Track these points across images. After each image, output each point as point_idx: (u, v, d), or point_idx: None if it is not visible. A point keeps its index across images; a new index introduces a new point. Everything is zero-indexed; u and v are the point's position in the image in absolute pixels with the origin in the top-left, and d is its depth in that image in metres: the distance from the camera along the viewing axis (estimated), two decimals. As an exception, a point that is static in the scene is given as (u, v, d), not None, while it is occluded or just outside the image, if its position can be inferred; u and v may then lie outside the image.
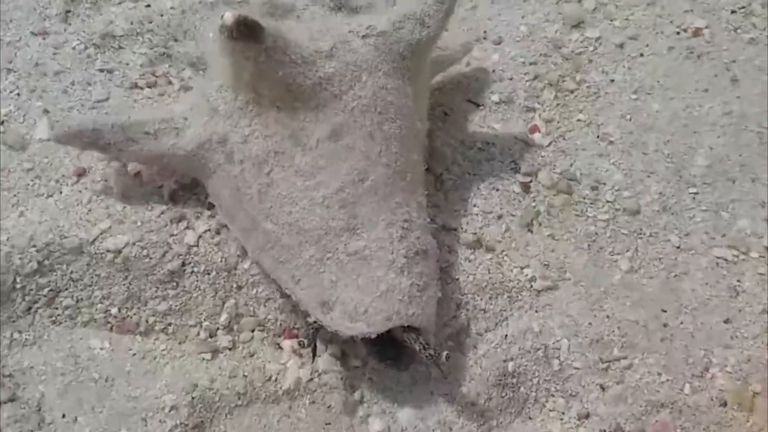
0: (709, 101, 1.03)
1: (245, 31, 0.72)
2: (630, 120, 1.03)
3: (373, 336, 0.74)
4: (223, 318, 0.84)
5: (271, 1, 0.90)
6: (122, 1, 1.08)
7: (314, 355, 0.79)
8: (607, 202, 0.96)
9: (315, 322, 0.78)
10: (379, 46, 0.82)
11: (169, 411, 0.77)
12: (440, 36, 0.87)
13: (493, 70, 1.06)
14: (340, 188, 0.77)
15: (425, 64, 0.88)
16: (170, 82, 1.01)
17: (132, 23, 1.05)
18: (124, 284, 0.84)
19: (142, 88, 1.01)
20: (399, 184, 0.80)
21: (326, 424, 0.79)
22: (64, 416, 0.76)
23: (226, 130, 0.79)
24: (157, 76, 1.02)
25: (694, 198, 0.96)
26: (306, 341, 0.78)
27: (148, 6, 1.07)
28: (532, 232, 0.94)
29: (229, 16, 0.71)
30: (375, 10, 1.04)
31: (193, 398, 0.78)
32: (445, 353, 0.74)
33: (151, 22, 1.05)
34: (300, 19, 0.90)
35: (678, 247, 0.93)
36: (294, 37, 0.77)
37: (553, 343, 0.86)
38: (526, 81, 1.05)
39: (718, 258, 0.92)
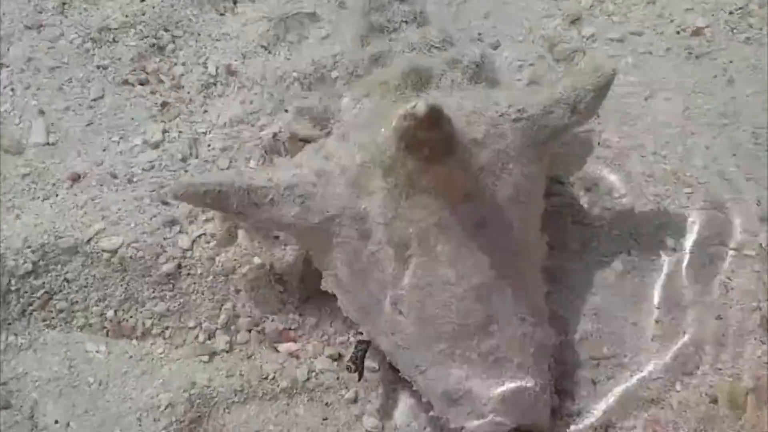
0: (707, 102, 1.08)
1: (433, 123, 0.70)
2: (630, 122, 1.07)
3: None
4: (222, 318, 0.88)
5: (414, 69, 0.85)
6: None
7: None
8: (602, 206, 1.00)
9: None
10: (527, 131, 0.83)
11: (165, 409, 0.83)
12: (585, 122, 0.88)
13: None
14: (482, 282, 0.78)
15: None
16: (161, 81, 1.05)
17: (127, 16, 1.09)
18: (121, 285, 0.87)
19: (133, 85, 1.04)
20: (530, 275, 0.83)
21: (324, 419, 0.85)
22: (56, 422, 0.81)
23: (368, 208, 0.79)
24: (147, 73, 1.06)
25: (689, 198, 1.00)
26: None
27: (143, 0, 1.12)
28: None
29: (422, 106, 0.68)
30: (507, 83, 1.04)
31: (190, 395, 0.84)
32: None
33: (144, 14, 1.09)
34: (440, 88, 0.87)
35: (673, 249, 0.97)
36: (456, 124, 0.77)
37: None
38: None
39: (712, 256, 0.97)
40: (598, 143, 1.05)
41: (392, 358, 0.82)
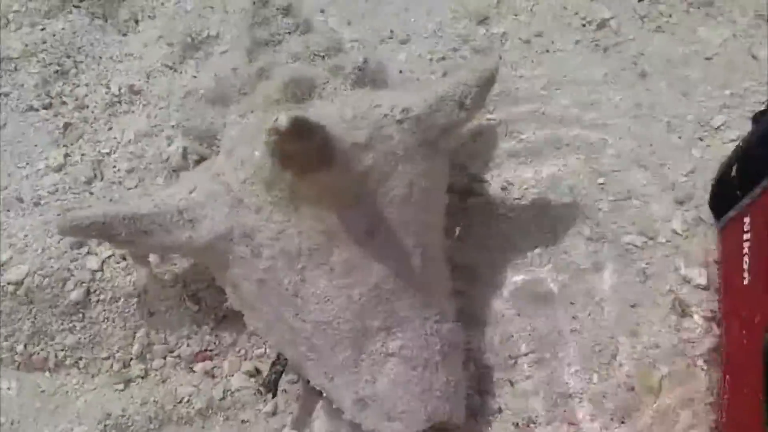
0: (618, 93, 1.11)
1: (299, 134, 0.69)
2: (543, 115, 1.10)
3: None
4: (135, 348, 0.89)
5: (295, 80, 0.84)
6: (19, 27, 1.13)
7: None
8: (516, 200, 1.03)
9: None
10: (414, 131, 0.83)
11: None
12: (473, 117, 0.88)
13: (401, 71, 1.10)
14: (377, 285, 0.79)
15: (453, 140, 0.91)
16: (64, 102, 1.04)
17: (27, 45, 1.09)
18: (28, 319, 0.87)
19: (37, 110, 1.04)
20: (431, 274, 0.84)
21: None
22: None
23: (255, 224, 0.80)
24: (51, 97, 1.05)
25: (602, 188, 1.02)
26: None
27: (43, 29, 1.14)
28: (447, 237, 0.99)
29: (284, 119, 0.68)
30: (396, 84, 1.04)
31: (105, 426, 0.84)
32: None
33: (45, 42, 1.10)
34: (322, 97, 0.86)
35: (589, 238, 0.99)
36: (334, 130, 0.77)
37: (469, 345, 0.92)
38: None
39: (628, 244, 1.00)
40: (506, 136, 1.07)
41: (301, 369, 0.83)
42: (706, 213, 0.98)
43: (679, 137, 1.06)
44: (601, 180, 1.03)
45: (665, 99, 1.09)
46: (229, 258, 0.81)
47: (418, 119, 0.82)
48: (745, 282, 0.84)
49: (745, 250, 0.85)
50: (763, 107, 0.99)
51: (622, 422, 0.88)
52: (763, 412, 0.71)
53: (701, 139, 1.05)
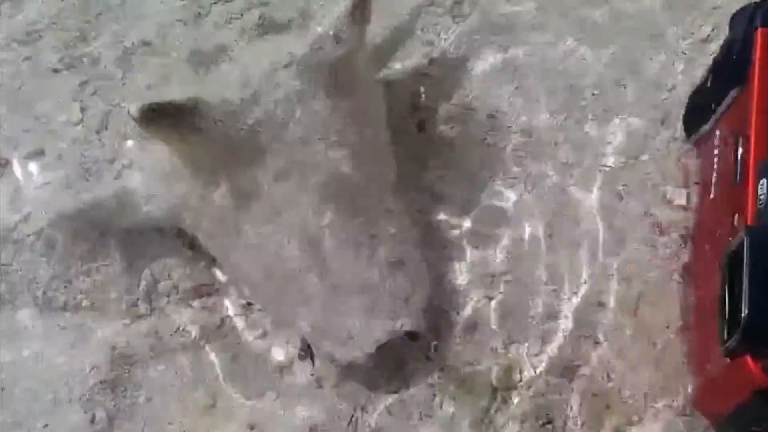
0: (596, 9, 1.07)
1: (157, 116, 0.76)
2: (530, 41, 1.08)
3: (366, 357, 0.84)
4: (142, 288, 0.96)
5: (198, 50, 0.92)
6: None
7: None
8: (500, 126, 1.02)
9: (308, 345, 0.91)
10: (304, 72, 0.85)
11: (90, 371, 0.92)
12: (362, 43, 0.90)
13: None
14: (300, 225, 0.84)
15: (361, 66, 0.91)
16: (82, 62, 1.11)
17: (51, 14, 1.15)
18: (47, 266, 0.95)
19: (58, 71, 1.11)
20: (360, 203, 0.87)
21: (232, 361, 0.92)
22: (3, 389, 0.91)
23: (188, 192, 0.87)
24: (72, 58, 1.12)
25: (584, 109, 1.02)
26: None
27: None
28: (426, 167, 1.02)
29: (133, 110, 0.75)
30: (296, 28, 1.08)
31: (112, 357, 0.93)
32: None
33: (65, 11, 1.15)
34: (232, 58, 0.91)
35: (565, 162, 0.99)
36: (219, 94, 0.82)
37: (447, 268, 0.95)
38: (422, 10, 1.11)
39: (606, 165, 0.99)
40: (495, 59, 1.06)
41: (272, 313, 0.90)
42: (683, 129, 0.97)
43: (664, 52, 1.03)
44: (583, 102, 1.02)
45: (648, 12, 1.05)
46: (187, 223, 0.89)
47: (303, 61, 0.84)
48: (712, 197, 0.83)
49: (715, 165, 0.83)
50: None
51: (597, 342, 0.89)
52: (719, 329, 0.71)
53: (684, 53, 1.01)
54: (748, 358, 0.62)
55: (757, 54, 0.73)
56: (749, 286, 0.60)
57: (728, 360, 0.66)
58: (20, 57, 1.12)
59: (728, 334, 0.66)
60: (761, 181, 0.66)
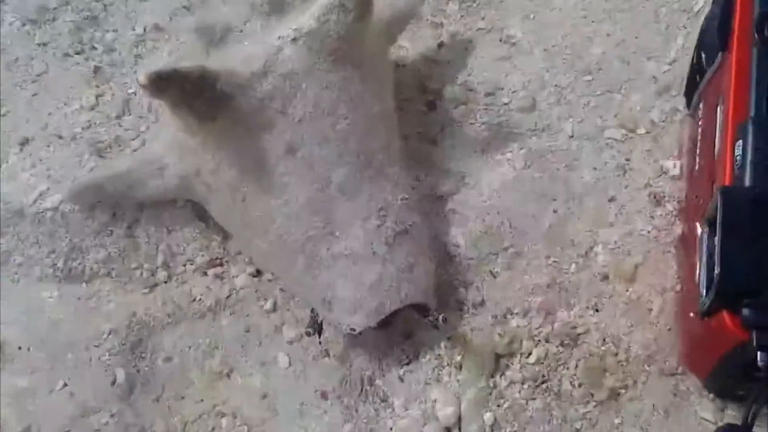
0: None
1: (165, 84, 0.80)
2: (533, 19, 1.15)
3: (374, 325, 0.89)
4: (160, 259, 1.03)
5: (206, 27, 0.95)
6: None
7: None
8: (503, 104, 1.09)
9: (315, 317, 0.95)
10: (312, 46, 0.89)
11: (108, 335, 0.99)
12: (369, 12, 0.92)
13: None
14: (308, 198, 0.89)
15: (369, 39, 0.95)
16: (94, 47, 1.18)
17: None
18: (66, 237, 1.03)
19: (71, 56, 1.18)
20: (366, 174, 0.91)
21: (246, 330, 0.99)
22: (20, 348, 0.99)
23: (198, 164, 0.93)
24: (83, 43, 1.19)
25: (589, 84, 1.07)
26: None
27: None
28: (436, 144, 1.08)
29: (142, 77, 0.78)
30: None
31: (130, 322, 0.99)
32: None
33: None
34: (240, 35, 0.95)
35: (571, 136, 1.04)
36: (226, 66, 0.86)
37: (454, 242, 1.01)
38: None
39: (609, 139, 1.05)
40: (501, 40, 1.13)
41: (281, 280, 0.95)
42: (683, 102, 1.01)
43: (666, 27, 1.08)
44: (587, 77, 1.08)
45: (651, -10, 1.10)
46: (198, 194, 0.95)
47: (310, 34, 0.88)
48: (696, 168, 0.89)
49: (699, 136, 0.89)
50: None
51: (596, 310, 0.95)
52: (698, 298, 0.75)
53: (684, 27, 1.06)
54: (725, 314, 0.66)
55: (737, 19, 0.78)
56: (721, 244, 0.64)
57: (707, 318, 0.71)
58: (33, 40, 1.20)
59: (706, 293, 0.70)
60: (738, 143, 0.70)
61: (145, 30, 1.20)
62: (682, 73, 1.01)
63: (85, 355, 0.97)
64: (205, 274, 1.03)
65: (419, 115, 1.09)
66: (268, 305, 1.00)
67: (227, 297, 1.00)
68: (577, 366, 0.92)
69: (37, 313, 1.01)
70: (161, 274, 1.03)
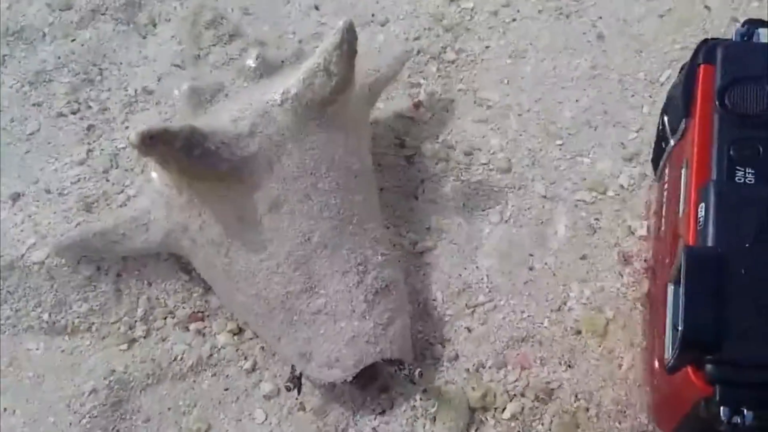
0: (577, 58, 1.19)
1: (155, 142, 0.83)
2: (507, 84, 1.18)
3: (350, 379, 0.90)
4: (139, 312, 1.03)
5: (196, 89, 0.99)
6: (53, 40, 1.28)
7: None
8: (482, 164, 1.12)
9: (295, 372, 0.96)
10: (297, 109, 0.93)
11: (89, 395, 0.98)
12: (352, 77, 0.95)
13: (379, 50, 1.21)
14: (290, 253, 0.91)
15: (352, 102, 0.99)
16: (89, 107, 1.20)
17: (59, 57, 1.25)
18: (50, 292, 1.03)
19: (66, 116, 1.20)
20: (347, 230, 0.94)
21: (225, 389, 0.99)
22: (5, 410, 0.98)
23: (185, 220, 0.96)
24: (79, 103, 1.21)
25: (560, 149, 1.10)
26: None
27: (74, 40, 1.28)
28: (417, 199, 1.10)
29: (133, 135, 0.82)
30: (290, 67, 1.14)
31: (110, 381, 0.99)
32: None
33: (74, 53, 1.25)
34: (229, 97, 1.00)
35: (544, 196, 1.07)
36: (215, 126, 0.90)
37: (432, 296, 1.03)
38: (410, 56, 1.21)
39: (579, 201, 1.08)
40: (474, 104, 1.17)
41: (260, 335, 0.96)
42: (650, 168, 1.04)
43: (632, 95, 1.12)
44: (558, 142, 1.12)
45: (620, 59, 1.16)
46: (183, 249, 0.96)
47: (296, 97, 0.91)
48: (662, 229, 0.91)
49: (664, 198, 0.91)
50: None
51: (569, 366, 0.96)
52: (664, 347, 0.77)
53: (650, 96, 1.11)
54: (689, 370, 0.68)
55: (699, 87, 0.82)
56: (685, 301, 0.65)
57: (673, 373, 0.72)
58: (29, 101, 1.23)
59: (671, 348, 0.72)
60: (701, 205, 0.72)
61: (136, 92, 1.23)
62: (649, 140, 1.05)
63: (66, 419, 0.96)
64: (187, 329, 1.03)
65: (398, 169, 1.13)
66: (248, 365, 1.00)
67: (209, 356, 1.00)
68: (552, 422, 0.93)
69: (20, 369, 1.01)
70: (140, 328, 1.03)
